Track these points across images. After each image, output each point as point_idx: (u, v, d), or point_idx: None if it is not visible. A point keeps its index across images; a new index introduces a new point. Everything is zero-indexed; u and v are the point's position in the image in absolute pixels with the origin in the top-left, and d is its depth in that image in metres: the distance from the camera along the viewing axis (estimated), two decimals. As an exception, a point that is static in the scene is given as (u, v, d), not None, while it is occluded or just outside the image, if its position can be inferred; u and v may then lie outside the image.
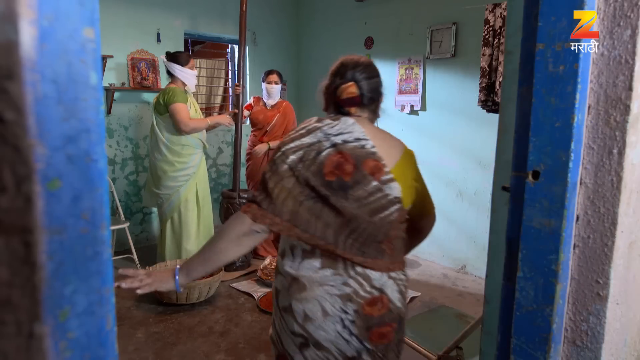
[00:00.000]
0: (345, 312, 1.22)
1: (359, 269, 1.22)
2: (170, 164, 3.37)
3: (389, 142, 1.29)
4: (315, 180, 1.17)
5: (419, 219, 1.40)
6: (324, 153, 1.19)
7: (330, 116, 1.30)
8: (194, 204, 3.51)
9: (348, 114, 1.29)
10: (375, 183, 1.19)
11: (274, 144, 3.89)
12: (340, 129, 1.22)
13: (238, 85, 3.69)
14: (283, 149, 1.22)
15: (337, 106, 1.31)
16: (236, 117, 3.71)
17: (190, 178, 3.47)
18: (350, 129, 1.22)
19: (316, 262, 1.23)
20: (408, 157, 1.31)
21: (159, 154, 3.39)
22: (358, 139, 1.21)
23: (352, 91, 1.27)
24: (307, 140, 1.22)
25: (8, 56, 0.35)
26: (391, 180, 1.20)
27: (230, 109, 3.80)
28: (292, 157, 1.20)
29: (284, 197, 1.18)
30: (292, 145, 1.22)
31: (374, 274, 1.23)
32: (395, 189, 1.20)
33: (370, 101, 1.31)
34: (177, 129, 3.30)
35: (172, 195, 3.44)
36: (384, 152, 1.23)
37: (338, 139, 1.20)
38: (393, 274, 1.27)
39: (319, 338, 1.23)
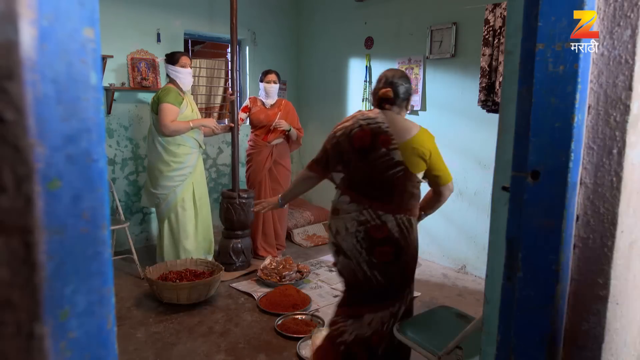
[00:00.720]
0: (359, 232, 1.92)
1: (371, 208, 1.90)
2: (166, 164, 3.37)
3: (404, 127, 1.93)
4: (348, 147, 1.94)
5: (436, 185, 2.01)
6: (354, 130, 1.94)
7: (369, 109, 2.04)
8: (191, 204, 3.51)
9: (383, 108, 1.98)
10: (384, 150, 1.88)
11: (277, 140, 3.94)
12: (368, 117, 1.95)
13: (232, 94, 3.70)
14: (335, 130, 2.02)
15: (378, 102, 2.00)
16: (232, 131, 3.72)
17: (187, 178, 3.46)
18: (374, 116, 1.95)
19: (347, 198, 1.97)
20: (418, 139, 1.91)
21: (156, 154, 3.39)
22: (377, 122, 1.91)
23: (388, 94, 1.97)
24: (347, 124, 1.99)
25: (8, 56, 0.35)
26: (395, 149, 1.87)
27: (227, 122, 3.83)
28: (338, 134, 1.99)
29: (329, 157, 2.03)
30: (339, 127, 2.01)
31: (380, 212, 1.90)
32: (398, 155, 1.87)
33: (401, 101, 2.00)
34: (158, 129, 3.31)
35: (169, 195, 3.44)
36: (396, 132, 1.89)
37: (364, 122, 1.93)
38: (397, 215, 1.90)
39: (344, 247, 1.97)
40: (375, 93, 2.03)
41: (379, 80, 2.03)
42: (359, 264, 1.94)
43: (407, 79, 2.02)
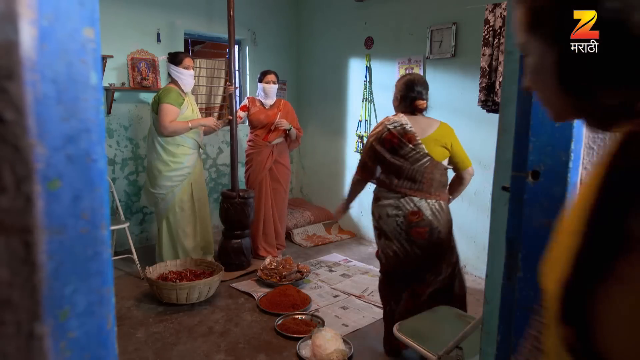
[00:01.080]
0: (398, 216, 2.28)
1: (407, 196, 2.27)
2: (165, 164, 3.37)
3: (425, 124, 2.33)
4: (381, 148, 2.31)
5: (458, 170, 2.40)
6: (383, 134, 2.30)
7: (394, 115, 2.39)
8: (190, 205, 3.51)
9: (414, 114, 2.35)
10: (410, 146, 2.26)
11: (278, 140, 3.96)
12: (393, 121, 2.31)
13: (230, 85, 3.69)
14: (369, 137, 2.41)
15: (411, 109, 2.35)
16: (231, 123, 3.72)
17: (186, 178, 3.46)
18: (399, 119, 2.30)
19: (385, 188, 2.34)
20: (439, 132, 2.31)
21: (155, 153, 3.39)
22: (402, 124, 2.28)
23: (424, 106, 2.35)
24: (377, 130, 2.35)
25: (8, 56, 0.35)
26: (420, 144, 2.26)
27: (227, 115, 3.83)
28: (371, 140, 2.35)
29: (368, 159, 2.40)
30: (371, 134, 2.38)
31: (415, 199, 2.27)
32: (423, 148, 2.25)
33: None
34: (158, 130, 3.31)
35: (167, 195, 3.44)
36: (419, 130, 2.28)
37: (391, 126, 2.29)
38: (429, 201, 2.28)
39: (386, 230, 2.33)
40: (406, 99, 2.33)
41: (408, 87, 2.33)
42: (400, 243, 2.29)
43: (428, 86, 2.39)
